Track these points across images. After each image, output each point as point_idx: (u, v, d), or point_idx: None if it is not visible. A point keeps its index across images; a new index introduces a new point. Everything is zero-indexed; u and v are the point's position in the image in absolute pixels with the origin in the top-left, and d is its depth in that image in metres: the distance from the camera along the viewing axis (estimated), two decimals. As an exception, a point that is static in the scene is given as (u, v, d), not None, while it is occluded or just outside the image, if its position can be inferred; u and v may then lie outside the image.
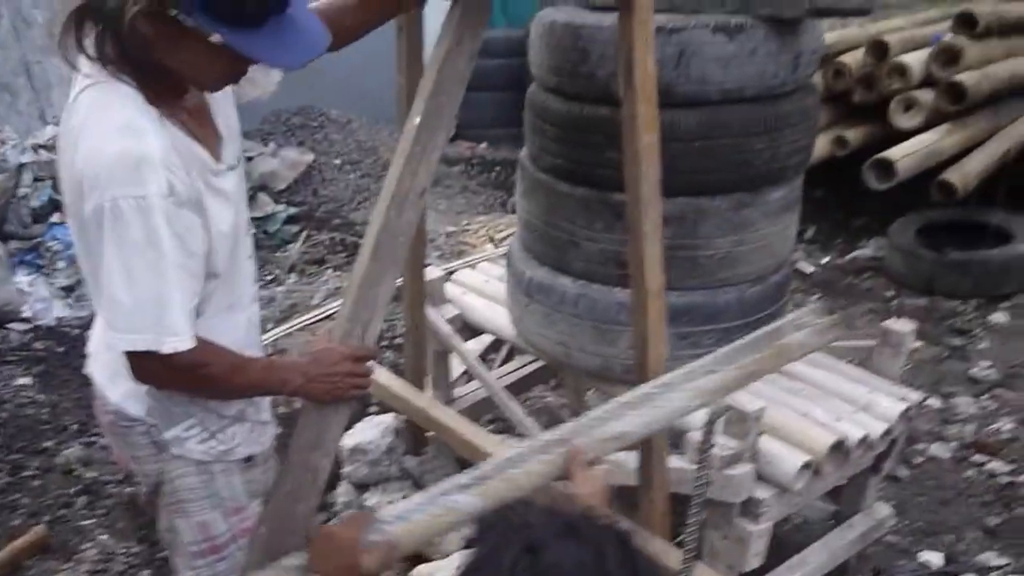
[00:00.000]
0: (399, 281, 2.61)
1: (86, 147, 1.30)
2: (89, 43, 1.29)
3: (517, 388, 3.00)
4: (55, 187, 4.61)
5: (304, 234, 5.10)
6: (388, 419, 2.81)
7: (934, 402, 3.52)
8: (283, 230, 5.08)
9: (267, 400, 1.75)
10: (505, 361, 3.17)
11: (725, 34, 1.87)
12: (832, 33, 4.83)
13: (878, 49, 4.59)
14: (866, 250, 4.92)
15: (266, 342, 3.91)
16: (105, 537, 2.82)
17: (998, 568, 2.68)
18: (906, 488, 3.04)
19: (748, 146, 1.97)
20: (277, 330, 4.02)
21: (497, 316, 2.61)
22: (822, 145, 4.74)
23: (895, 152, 4.06)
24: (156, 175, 1.30)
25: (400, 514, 1.43)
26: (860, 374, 2.27)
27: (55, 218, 4.64)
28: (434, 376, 2.80)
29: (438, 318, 2.66)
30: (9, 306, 4.23)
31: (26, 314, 4.27)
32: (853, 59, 4.67)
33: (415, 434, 2.73)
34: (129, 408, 1.56)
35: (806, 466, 1.92)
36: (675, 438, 2.00)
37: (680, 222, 2.01)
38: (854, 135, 4.71)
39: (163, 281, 1.33)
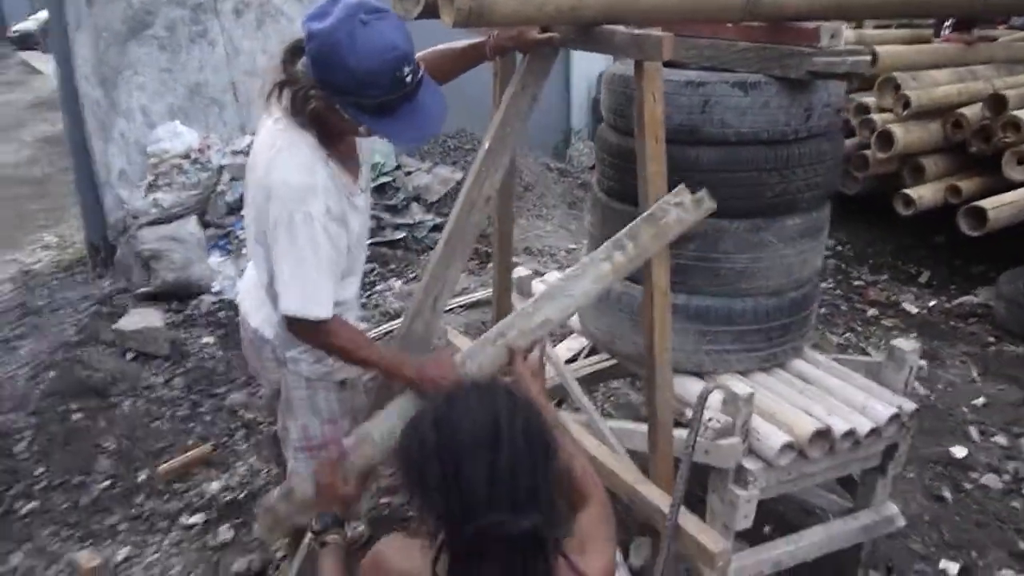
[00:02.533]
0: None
1: (278, 171, 1.91)
2: (285, 101, 1.93)
3: (598, 377, 3.48)
4: (248, 187, 5.55)
5: (447, 241, 5.78)
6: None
7: (1001, 440, 3.69)
8: (429, 236, 5.79)
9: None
10: (589, 354, 3.65)
11: (741, 89, 2.31)
12: (954, 86, 5.00)
13: (996, 103, 4.73)
14: (975, 297, 5.01)
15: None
16: (253, 460, 3.54)
17: (1013, 586, 2.89)
18: (948, 508, 3.26)
19: (761, 179, 2.39)
20: (410, 319, 4.70)
21: (570, 311, 3.12)
22: (936, 192, 4.92)
23: (989, 202, 4.22)
24: (318, 200, 1.92)
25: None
26: (869, 384, 2.59)
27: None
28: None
29: (523, 309, 3.21)
30: (203, 280, 5.17)
31: (215, 288, 5.19)
32: (971, 112, 4.83)
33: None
34: (263, 331, 2.21)
35: (789, 446, 2.29)
36: (679, 415, 2.44)
37: (704, 238, 2.45)
38: (968, 185, 4.85)
39: (314, 270, 1.93)
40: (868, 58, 2.24)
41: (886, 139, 4.85)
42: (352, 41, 1.79)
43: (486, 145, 2.28)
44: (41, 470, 3.51)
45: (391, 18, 1.87)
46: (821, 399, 2.49)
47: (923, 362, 2.62)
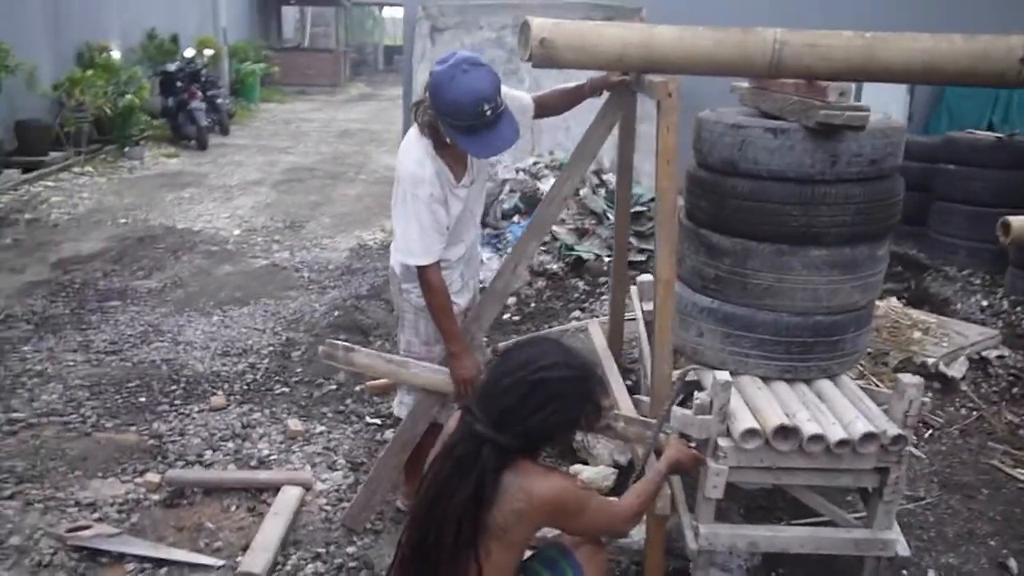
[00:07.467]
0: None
1: (402, 163, 2.91)
2: (417, 116, 2.91)
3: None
4: (522, 199, 6.66)
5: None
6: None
7: None
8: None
9: (466, 287, 3.22)
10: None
11: (772, 133, 2.79)
12: None
13: None
14: None
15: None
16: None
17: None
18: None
19: (785, 211, 2.81)
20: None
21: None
22: None
23: None
24: (425, 187, 2.87)
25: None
26: (871, 409, 2.84)
27: (516, 219, 6.69)
28: (640, 349, 3.94)
29: (639, 309, 3.83)
30: (468, 268, 6.35)
31: (480, 277, 6.33)
32: None
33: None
34: (394, 268, 3.18)
35: (753, 432, 2.69)
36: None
37: (735, 255, 2.93)
38: None
39: (415, 233, 2.88)
40: (864, 115, 2.59)
41: None
42: (452, 81, 2.70)
43: (569, 158, 3.04)
44: (300, 370, 4.86)
45: (485, 71, 2.75)
46: (814, 409, 2.82)
47: (927, 398, 2.77)
